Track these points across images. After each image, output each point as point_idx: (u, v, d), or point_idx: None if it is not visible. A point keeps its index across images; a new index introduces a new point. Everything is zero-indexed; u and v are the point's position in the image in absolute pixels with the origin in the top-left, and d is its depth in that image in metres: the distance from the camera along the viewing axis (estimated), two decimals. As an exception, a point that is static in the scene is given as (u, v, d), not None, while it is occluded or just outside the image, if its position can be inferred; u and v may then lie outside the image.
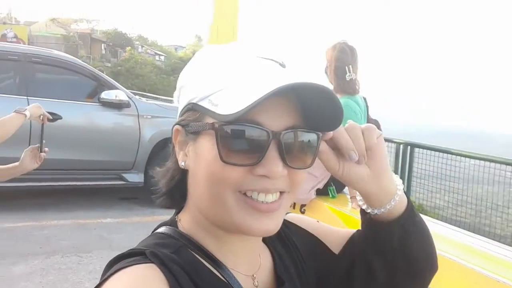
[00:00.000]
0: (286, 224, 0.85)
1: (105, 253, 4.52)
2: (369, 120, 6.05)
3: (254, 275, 0.75)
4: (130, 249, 0.68)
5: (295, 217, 0.90)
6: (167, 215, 0.79)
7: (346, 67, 3.11)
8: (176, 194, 0.76)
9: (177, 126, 0.72)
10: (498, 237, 5.46)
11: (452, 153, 6.40)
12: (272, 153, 0.63)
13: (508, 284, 1.89)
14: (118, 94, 6.09)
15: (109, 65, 30.52)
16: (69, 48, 29.03)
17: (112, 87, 6.28)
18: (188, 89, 0.71)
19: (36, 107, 2.58)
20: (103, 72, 9.68)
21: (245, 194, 0.65)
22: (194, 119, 0.69)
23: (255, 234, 0.68)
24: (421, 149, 6.83)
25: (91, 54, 33.54)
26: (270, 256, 0.81)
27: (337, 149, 0.70)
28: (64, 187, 6.02)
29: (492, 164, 5.89)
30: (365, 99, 6.21)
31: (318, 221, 0.92)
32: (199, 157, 0.68)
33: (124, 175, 6.18)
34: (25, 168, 2.48)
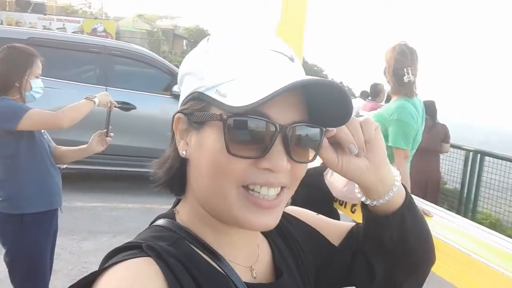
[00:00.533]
0: (285, 216, 0.86)
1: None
2: (435, 124, 5.87)
3: (253, 266, 0.76)
4: (127, 242, 0.67)
5: (294, 209, 0.91)
6: (167, 193, 0.79)
7: (405, 69, 3.08)
8: (176, 183, 0.75)
9: (179, 114, 0.71)
10: None
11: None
12: (278, 146, 0.64)
13: None
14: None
15: (189, 60, 31.35)
16: (152, 43, 30.35)
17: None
18: (194, 77, 0.70)
19: (104, 95, 2.78)
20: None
21: (247, 188, 0.65)
22: (199, 108, 0.68)
23: (254, 229, 0.68)
24: (493, 158, 6.46)
25: (173, 49, 34.77)
26: (268, 248, 0.82)
27: (336, 143, 0.71)
28: (135, 173, 6.32)
29: None
30: (434, 102, 6.01)
31: (317, 214, 0.93)
32: (203, 148, 0.67)
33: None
34: (92, 151, 2.70)
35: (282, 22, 4.25)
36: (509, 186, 6.39)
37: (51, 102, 5.91)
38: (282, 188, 0.68)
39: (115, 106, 2.81)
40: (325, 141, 0.70)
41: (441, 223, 2.84)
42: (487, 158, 6.53)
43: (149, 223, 0.77)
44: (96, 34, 24.08)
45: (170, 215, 0.76)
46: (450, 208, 6.45)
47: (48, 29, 21.76)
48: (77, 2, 34.50)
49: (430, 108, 5.94)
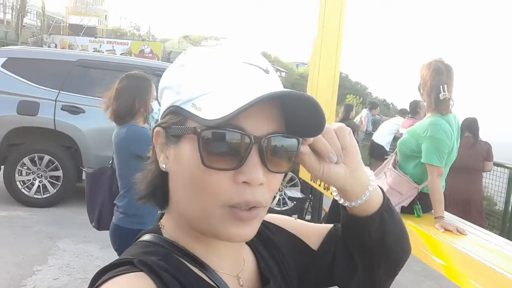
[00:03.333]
0: (266, 224, 0.88)
1: None
2: (478, 142, 5.72)
3: (239, 275, 0.77)
4: (117, 259, 0.67)
5: (273, 217, 0.92)
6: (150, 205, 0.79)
7: (441, 86, 3.09)
8: (158, 196, 0.76)
9: (158, 128, 0.72)
10: None
11: None
12: (253, 158, 0.64)
13: None
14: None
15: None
16: (197, 63, 30.96)
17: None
18: (171, 91, 0.70)
19: None
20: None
21: (231, 207, 0.65)
22: (176, 122, 0.68)
23: (233, 241, 0.68)
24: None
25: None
26: (252, 256, 0.83)
27: (315, 152, 0.72)
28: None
29: None
30: (476, 120, 5.88)
31: (295, 219, 0.95)
32: (180, 161, 0.68)
33: None
34: None
35: (318, 37, 4.31)
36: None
37: (98, 121, 6.23)
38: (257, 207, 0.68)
39: None
40: (308, 149, 0.71)
41: (475, 240, 2.80)
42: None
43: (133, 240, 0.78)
44: (144, 55, 24.90)
45: (156, 229, 0.76)
46: (491, 228, 6.24)
47: (98, 51, 22.74)
48: (126, 25, 35.85)
49: (472, 126, 5.83)
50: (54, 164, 6.29)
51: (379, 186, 0.81)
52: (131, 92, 2.76)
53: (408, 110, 7.66)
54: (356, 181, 0.75)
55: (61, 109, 6.17)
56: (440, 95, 3.09)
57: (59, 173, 6.30)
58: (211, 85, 0.67)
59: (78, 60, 6.46)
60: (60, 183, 6.31)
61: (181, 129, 0.67)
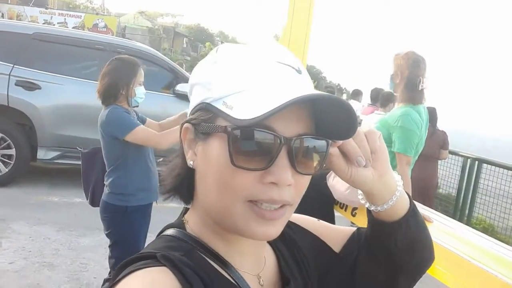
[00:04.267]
0: (288, 224, 0.84)
1: None
2: (435, 131, 5.94)
3: (260, 274, 0.76)
4: (139, 253, 0.67)
5: (296, 216, 0.91)
6: (175, 200, 0.79)
7: (420, 78, 3.16)
8: (184, 191, 0.76)
9: (186, 124, 0.72)
10: None
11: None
12: (282, 159, 0.64)
13: None
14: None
15: (189, 58, 31.55)
16: (153, 40, 30.41)
17: (188, 80, 6.61)
18: (202, 87, 0.70)
19: None
20: (182, 65, 10.11)
21: (252, 202, 0.65)
22: (206, 119, 0.68)
23: (255, 239, 0.68)
24: (491, 166, 6.55)
25: (173, 47, 34.80)
26: (273, 256, 0.82)
27: (343, 154, 0.72)
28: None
29: None
30: (435, 109, 6.09)
31: (318, 220, 0.94)
32: (209, 159, 0.67)
33: None
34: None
35: (288, 26, 4.29)
36: (503, 193, 6.48)
37: (54, 98, 6.00)
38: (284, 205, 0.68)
39: None
40: (336, 150, 0.71)
41: (441, 228, 2.90)
42: (484, 165, 6.61)
43: (170, 221, 0.79)
44: (97, 29, 24.10)
45: (180, 224, 0.76)
46: (444, 213, 6.54)
47: (49, 23, 21.77)
48: (79, -3, 34.44)
49: (431, 115, 5.97)
50: (7, 142, 6.00)
51: (406, 192, 0.81)
52: (115, 75, 2.84)
53: (370, 97, 7.78)
54: (383, 186, 0.75)
55: (15, 84, 5.87)
56: (419, 86, 3.16)
57: (12, 151, 6.02)
58: (243, 83, 0.66)
59: (34, 33, 6.13)
60: (12, 162, 6.02)
61: (211, 127, 0.66)
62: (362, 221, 3.22)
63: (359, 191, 0.79)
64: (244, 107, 0.63)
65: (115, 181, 2.87)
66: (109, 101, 2.85)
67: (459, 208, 6.89)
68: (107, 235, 2.96)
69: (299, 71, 0.70)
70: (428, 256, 0.85)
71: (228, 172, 0.64)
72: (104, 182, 2.95)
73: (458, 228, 2.99)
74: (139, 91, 2.93)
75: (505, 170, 6.41)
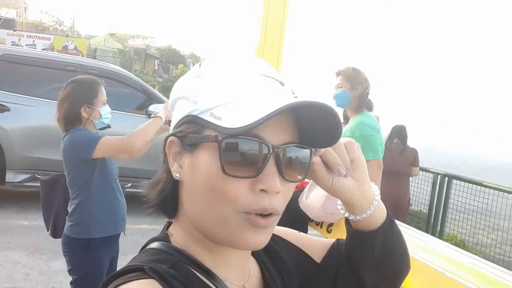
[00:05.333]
0: (271, 236, 0.90)
1: None
2: (406, 148, 6.07)
3: (245, 286, 0.77)
4: (125, 267, 0.67)
5: (277, 228, 0.91)
6: (159, 215, 0.79)
7: (368, 89, 3.46)
8: (168, 205, 0.76)
9: (172, 138, 0.72)
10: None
11: (494, 188, 6.26)
12: (271, 167, 0.65)
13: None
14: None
15: (160, 80, 31.47)
16: (124, 62, 30.23)
17: (161, 101, 6.58)
18: (187, 101, 0.71)
19: (165, 108, 2.89)
20: (155, 87, 10.08)
21: (247, 213, 0.66)
22: (193, 131, 0.68)
23: (249, 248, 0.69)
24: (460, 182, 6.71)
25: (144, 69, 34.66)
26: (257, 267, 0.83)
27: (325, 164, 0.74)
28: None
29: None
30: (405, 127, 6.27)
31: (299, 232, 0.95)
32: (197, 170, 0.68)
33: None
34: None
35: (260, 48, 4.35)
36: (473, 208, 6.63)
37: (24, 120, 5.88)
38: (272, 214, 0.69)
39: None
40: (318, 159, 0.73)
41: (415, 242, 2.95)
42: (454, 181, 6.77)
43: (141, 247, 0.78)
44: (67, 51, 23.83)
45: (164, 237, 0.76)
46: (417, 228, 6.64)
47: (17, 45, 21.43)
48: (48, 19, 34.08)
49: (400, 133, 6.17)
50: (-26, 165, 5.82)
51: (384, 204, 0.84)
52: (74, 99, 2.61)
53: (343, 116, 7.89)
54: (362, 195, 0.78)
55: (-17, 106, 5.74)
56: (368, 97, 3.42)
57: (-20, 174, 5.84)
58: (230, 95, 0.67)
59: (3, 54, 6.04)
60: (-20, 186, 5.85)
61: (199, 137, 0.67)
62: (337, 237, 3.22)
63: (339, 201, 0.81)
64: (233, 117, 0.64)
65: (78, 210, 2.59)
66: (73, 126, 2.62)
67: (431, 225, 7.01)
68: (69, 271, 2.64)
69: (282, 83, 0.73)
70: (405, 265, 0.88)
71: (220, 181, 0.65)
72: (68, 210, 2.66)
73: (431, 242, 3.05)
74: (104, 111, 2.69)
75: (474, 186, 6.55)
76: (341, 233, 3.22)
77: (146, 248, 0.76)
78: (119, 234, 2.75)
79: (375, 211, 0.79)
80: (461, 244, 6.58)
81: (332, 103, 3.66)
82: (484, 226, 6.63)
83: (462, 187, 6.75)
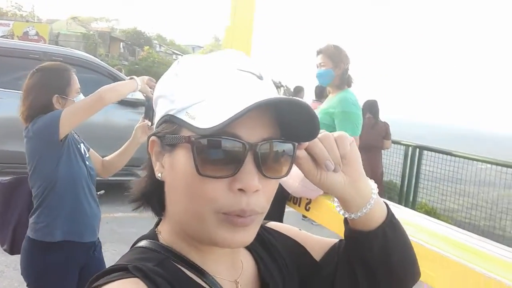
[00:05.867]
0: (268, 230, 0.88)
1: (116, 245, 4.65)
2: (378, 122, 6.16)
3: (237, 280, 0.76)
4: (111, 266, 0.67)
5: (277, 224, 0.92)
6: (147, 212, 0.80)
7: (348, 65, 3.50)
8: (155, 204, 0.77)
9: (153, 137, 0.72)
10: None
11: (462, 157, 6.46)
12: (249, 165, 0.64)
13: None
14: (134, 92, 6.24)
15: (126, 63, 30.84)
16: (88, 46, 29.46)
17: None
18: (166, 100, 0.71)
19: (144, 81, 2.64)
20: (121, 71, 9.87)
21: (225, 213, 0.65)
22: (171, 131, 0.68)
23: (230, 247, 0.68)
24: (430, 152, 6.88)
25: (109, 53, 33.86)
26: (252, 261, 0.82)
27: (313, 159, 0.72)
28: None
29: (504, 169, 5.96)
30: (376, 101, 6.33)
31: (300, 230, 0.93)
32: (175, 170, 0.68)
33: (137, 171, 6.30)
34: (137, 143, 2.58)
35: (230, 25, 4.29)
36: (443, 177, 6.83)
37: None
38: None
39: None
40: (305, 153, 0.71)
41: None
42: (424, 151, 6.93)
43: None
44: (28, 38, 23.04)
45: (152, 235, 0.76)
46: (390, 199, 6.81)
47: (-25, 33, 20.60)
48: (6, 4, 32.78)
49: (372, 107, 6.26)
50: None
51: (385, 201, 0.81)
52: (43, 89, 2.27)
53: (314, 93, 7.90)
54: (356, 192, 0.75)
55: None
56: (349, 73, 3.48)
57: None
58: (204, 93, 0.67)
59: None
60: None
61: (175, 138, 0.67)
62: (315, 215, 3.28)
63: (335, 199, 0.79)
64: (205, 116, 0.63)
65: (39, 209, 2.26)
66: None
67: (404, 195, 7.18)
68: (23, 276, 2.27)
69: (260, 77, 0.71)
70: (409, 272, 0.82)
71: (196, 182, 0.65)
72: (29, 219, 2.29)
73: (405, 213, 3.12)
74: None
75: (443, 155, 6.74)
76: (320, 211, 3.26)
77: (134, 246, 0.76)
78: (88, 245, 2.36)
79: (373, 210, 0.76)
80: (431, 211, 6.77)
81: (315, 81, 3.74)
82: (452, 193, 6.86)
83: (432, 157, 6.91)
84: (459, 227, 3.19)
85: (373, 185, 0.78)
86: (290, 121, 0.68)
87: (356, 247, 0.80)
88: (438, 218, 4.60)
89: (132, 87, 2.49)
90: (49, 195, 2.27)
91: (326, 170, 0.71)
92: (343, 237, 0.86)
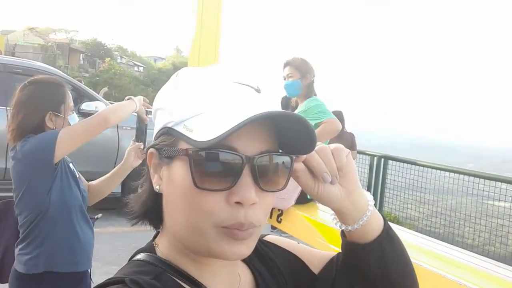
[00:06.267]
0: (266, 244, 0.88)
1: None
2: (344, 133, 6.25)
3: None
4: (108, 279, 0.66)
5: (275, 238, 0.92)
6: (143, 226, 0.79)
7: (314, 76, 3.70)
8: (153, 217, 0.76)
9: (151, 149, 0.72)
10: (470, 247, 5.66)
11: (425, 166, 6.63)
12: (246, 178, 0.64)
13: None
14: (98, 105, 6.11)
15: (87, 75, 30.30)
16: (47, 58, 28.79)
17: (93, 99, 6.33)
18: (164, 112, 0.71)
19: (141, 100, 2.40)
20: (81, 83, 9.68)
21: (225, 227, 0.65)
22: (169, 143, 0.69)
23: (229, 259, 0.68)
24: (394, 162, 7.05)
25: (69, 64, 33.21)
26: (250, 275, 0.81)
27: (310, 171, 0.72)
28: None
29: (462, 176, 6.15)
30: (342, 112, 6.46)
31: (298, 243, 0.93)
32: (173, 183, 0.68)
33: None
34: (130, 166, 2.34)
35: (196, 36, 4.27)
36: (405, 185, 6.99)
37: None
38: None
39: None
40: (302, 166, 0.71)
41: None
42: (389, 161, 7.11)
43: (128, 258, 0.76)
44: (-18, 49, 22.27)
45: (150, 248, 0.76)
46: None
47: None
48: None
49: (338, 118, 6.33)
50: None
51: (382, 215, 0.81)
52: (37, 106, 2.07)
53: (281, 104, 7.95)
54: (352, 204, 0.74)
55: None
56: (313, 84, 3.68)
57: None
58: (201, 106, 0.67)
59: None
60: None
61: (173, 150, 0.67)
62: (288, 227, 3.29)
63: (331, 211, 0.78)
64: (203, 129, 0.63)
65: (27, 239, 2.07)
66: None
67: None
68: None
69: (258, 90, 0.71)
70: (408, 282, 0.81)
71: (194, 195, 0.64)
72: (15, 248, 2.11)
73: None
74: (73, 120, 2.17)
75: (405, 164, 6.92)
76: (292, 222, 3.28)
77: (132, 259, 0.75)
78: (82, 274, 2.18)
79: (369, 222, 0.75)
80: (394, 220, 6.92)
81: (282, 93, 3.85)
82: (414, 201, 7.05)
83: (395, 167, 7.07)
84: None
85: (369, 197, 0.78)
86: (287, 134, 0.68)
87: (353, 260, 0.79)
88: (401, 226, 4.72)
89: (132, 107, 2.31)
90: (39, 223, 2.06)
91: (324, 182, 0.71)
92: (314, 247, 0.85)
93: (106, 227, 5.86)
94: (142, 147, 2.37)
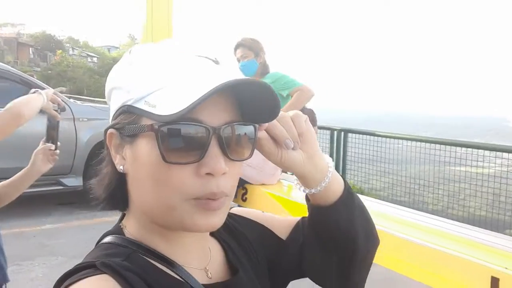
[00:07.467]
0: (233, 216, 0.89)
1: (47, 259, 4.47)
2: (303, 110, 6.30)
3: (207, 268, 0.77)
4: (78, 264, 0.66)
5: (240, 209, 0.94)
6: (107, 217, 0.77)
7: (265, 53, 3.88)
8: (117, 199, 0.75)
9: (111, 130, 0.71)
10: (434, 212, 5.85)
11: (384, 136, 6.80)
12: (214, 148, 0.65)
13: (438, 249, 2.13)
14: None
15: (38, 69, 29.26)
16: (-7, 53, 27.59)
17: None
18: (121, 91, 0.70)
19: (52, 93, 2.10)
20: (34, 77, 9.34)
21: (196, 199, 0.66)
22: (130, 121, 0.68)
23: (201, 231, 0.69)
24: (355, 134, 7.20)
25: (18, 59, 31.98)
26: (219, 247, 0.83)
27: (273, 138, 0.74)
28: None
29: (420, 144, 6.33)
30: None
31: (263, 212, 0.96)
32: (139, 161, 0.67)
33: (62, 179, 6.03)
34: (38, 171, 1.98)
35: (148, 22, 4.18)
36: (367, 157, 7.16)
37: None
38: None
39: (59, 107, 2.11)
40: (265, 134, 0.73)
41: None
42: (349, 134, 7.23)
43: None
44: None
45: (117, 230, 0.75)
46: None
47: None
48: None
49: (310, 116, 6.39)
50: None
51: (341, 175, 0.84)
52: None
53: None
54: (314, 167, 0.77)
55: None
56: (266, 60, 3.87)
57: None
58: (162, 80, 0.66)
59: None
60: None
61: (136, 127, 0.66)
62: (252, 204, 3.32)
63: (295, 178, 0.81)
64: (167, 103, 0.63)
65: None
66: None
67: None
68: None
69: (216, 62, 0.71)
70: (371, 238, 0.86)
71: (162, 170, 0.64)
72: None
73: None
74: None
75: (365, 136, 7.06)
76: (257, 200, 3.31)
77: (99, 243, 0.74)
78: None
79: (331, 184, 0.79)
80: (359, 191, 7.08)
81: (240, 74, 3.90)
82: (377, 172, 7.22)
83: (356, 139, 7.20)
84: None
85: (328, 159, 0.81)
86: (251, 103, 0.68)
87: (320, 223, 0.83)
88: (365, 196, 4.85)
89: (40, 101, 2.02)
90: None
91: (286, 149, 0.74)
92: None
93: (70, 221, 5.77)
94: (53, 148, 2.02)
